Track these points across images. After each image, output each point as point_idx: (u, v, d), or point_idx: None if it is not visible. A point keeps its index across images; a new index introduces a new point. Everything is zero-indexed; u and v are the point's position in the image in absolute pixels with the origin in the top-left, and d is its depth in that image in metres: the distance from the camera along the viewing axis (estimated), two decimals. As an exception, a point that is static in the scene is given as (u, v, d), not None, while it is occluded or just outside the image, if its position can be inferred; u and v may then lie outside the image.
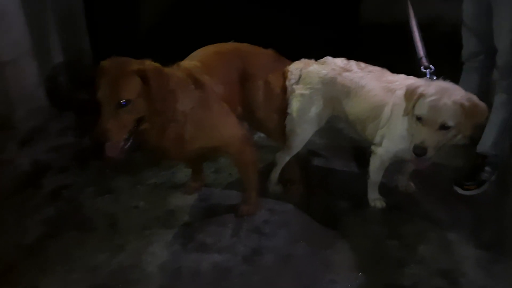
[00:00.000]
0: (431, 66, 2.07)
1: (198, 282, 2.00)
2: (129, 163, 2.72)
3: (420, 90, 1.84)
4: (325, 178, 2.60)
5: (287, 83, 2.29)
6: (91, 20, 3.59)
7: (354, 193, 2.45)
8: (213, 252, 2.12)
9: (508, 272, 2.01)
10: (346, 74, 2.18)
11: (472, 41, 2.41)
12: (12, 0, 2.86)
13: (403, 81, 2.06)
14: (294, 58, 2.38)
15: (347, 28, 3.88)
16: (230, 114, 2.11)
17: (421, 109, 1.83)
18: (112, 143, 1.79)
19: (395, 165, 2.40)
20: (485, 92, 2.43)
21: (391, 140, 2.09)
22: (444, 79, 1.94)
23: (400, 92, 2.02)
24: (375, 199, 2.36)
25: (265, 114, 2.30)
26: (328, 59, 2.27)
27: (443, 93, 1.80)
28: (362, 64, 2.21)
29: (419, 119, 1.85)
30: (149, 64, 1.82)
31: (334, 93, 2.20)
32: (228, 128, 2.09)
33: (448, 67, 2.11)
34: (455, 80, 2.00)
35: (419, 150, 1.82)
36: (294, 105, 2.28)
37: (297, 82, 2.27)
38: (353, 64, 2.21)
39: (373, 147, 2.20)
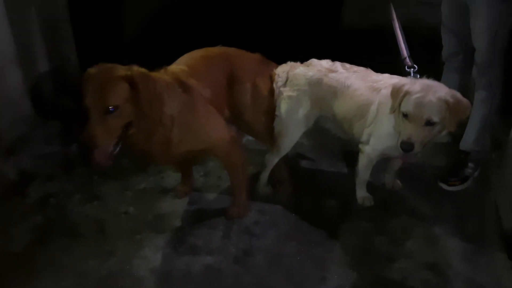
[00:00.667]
0: (415, 65, 2.13)
1: (190, 284, 2.01)
2: (117, 169, 2.72)
3: (405, 88, 1.90)
4: (313, 179, 2.64)
5: (275, 85, 2.32)
6: (76, 28, 3.57)
7: (342, 192, 2.49)
8: (205, 254, 2.13)
9: (492, 263, 2.07)
10: (332, 75, 2.23)
11: (451, 41, 2.48)
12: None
13: (388, 80, 2.12)
14: (279, 62, 2.42)
15: (329, 32, 3.95)
16: (218, 116, 2.13)
17: (407, 106, 1.89)
18: (101, 149, 1.79)
19: (382, 164, 2.45)
20: (465, 90, 2.50)
21: (378, 138, 2.14)
22: (428, 77, 2.00)
23: (385, 91, 2.07)
24: (363, 197, 2.40)
25: (253, 116, 2.33)
26: (314, 61, 2.31)
27: (428, 90, 1.86)
28: (347, 65, 2.26)
29: (405, 116, 1.90)
30: (136, 69, 1.83)
31: (321, 93, 2.24)
32: (215, 130, 2.11)
33: (428, 68, 2.17)
34: (436, 80, 2.06)
35: (407, 146, 1.87)
36: (282, 107, 2.31)
37: (284, 85, 2.30)
38: (338, 65, 2.26)
39: (360, 146, 2.24)
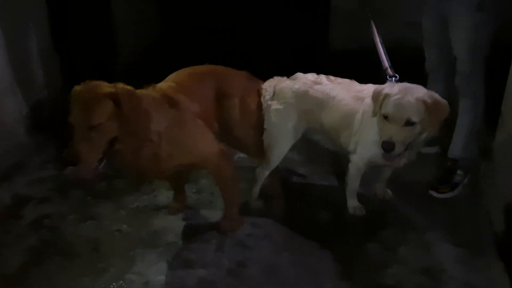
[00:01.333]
0: (396, 75, 2.20)
1: (183, 297, 2.00)
2: (110, 190, 2.75)
3: (384, 91, 1.96)
4: (305, 192, 2.66)
5: (262, 99, 2.38)
6: (63, 58, 3.65)
7: (334, 204, 2.52)
8: (198, 267, 2.13)
9: (486, 267, 2.08)
10: (317, 87, 2.29)
11: (433, 52, 2.56)
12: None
13: (371, 89, 2.17)
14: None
15: (316, 53, 4.07)
16: (206, 130, 2.17)
17: (387, 108, 1.94)
18: (85, 165, 1.81)
19: (372, 174, 2.49)
20: (450, 100, 2.56)
21: (364, 146, 2.18)
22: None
23: (369, 100, 2.13)
24: (354, 206, 2.42)
25: (243, 131, 2.37)
26: (299, 74, 2.38)
27: (406, 92, 1.92)
28: (332, 77, 2.33)
29: (385, 117, 1.95)
30: (120, 87, 1.87)
31: (307, 105, 2.30)
32: (204, 144, 2.14)
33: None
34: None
35: (387, 145, 1.92)
36: (270, 120, 2.36)
37: (272, 98, 2.36)
38: (323, 77, 2.33)
39: (349, 155, 2.28)
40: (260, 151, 2.43)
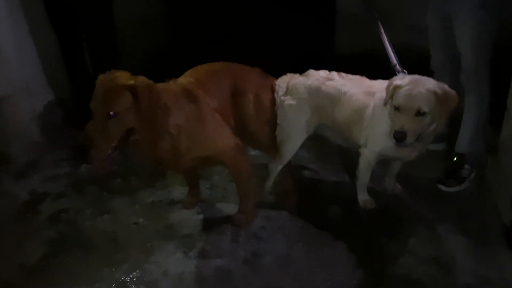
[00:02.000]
0: (405, 71, 2.27)
1: (202, 285, 2.06)
2: (125, 185, 2.82)
3: (395, 82, 2.03)
4: (315, 187, 2.72)
5: (276, 95, 2.45)
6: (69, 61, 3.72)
7: (344, 198, 2.58)
8: (214, 257, 2.19)
9: (494, 256, 2.13)
10: (329, 83, 2.36)
11: (438, 51, 2.63)
12: (7, 38, 3.00)
13: (382, 84, 2.24)
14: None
15: (322, 57, 4.13)
16: (223, 124, 2.24)
17: (398, 99, 2.01)
18: (97, 151, 1.87)
19: (382, 169, 2.55)
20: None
21: (375, 140, 2.25)
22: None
23: (379, 94, 2.20)
24: (365, 200, 2.47)
25: (257, 126, 2.44)
26: (311, 71, 2.46)
27: (417, 83, 1.99)
28: (343, 74, 2.40)
29: (397, 108, 2.02)
30: (140, 80, 1.94)
31: (320, 101, 2.37)
32: (221, 137, 2.21)
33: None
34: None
35: (399, 135, 1.98)
36: (283, 115, 2.43)
37: (285, 94, 2.43)
38: (334, 74, 2.40)
39: (360, 149, 2.35)
40: (273, 146, 2.50)
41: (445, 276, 2.04)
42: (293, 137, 2.44)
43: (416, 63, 2.87)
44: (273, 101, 2.47)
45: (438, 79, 2.64)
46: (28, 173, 3.01)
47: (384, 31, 2.54)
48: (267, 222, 2.42)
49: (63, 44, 3.50)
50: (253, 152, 2.82)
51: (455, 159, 2.61)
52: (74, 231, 2.45)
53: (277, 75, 2.54)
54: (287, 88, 2.44)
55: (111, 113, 1.84)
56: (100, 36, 3.53)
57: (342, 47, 4.20)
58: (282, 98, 2.44)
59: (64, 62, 3.59)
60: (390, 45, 2.42)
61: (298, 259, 2.17)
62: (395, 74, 2.30)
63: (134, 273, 2.13)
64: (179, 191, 2.72)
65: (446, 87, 2.02)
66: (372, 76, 2.39)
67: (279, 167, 2.52)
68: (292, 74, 2.51)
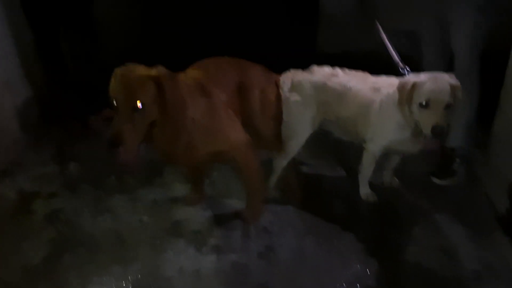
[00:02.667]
0: (407, 67, 2.37)
1: (220, 280, 2.05)
2: (120, 184, 2.74)
3: (412, 80, 2.11)
4: (316, 183, 2.76)
5: (281, 91, 2.48)
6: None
7: (345, 192, 2.64)
8: (229, 252, 2.18)
9: (493, 243, 2.26)
10: (334, 79, 2.42)
11: (430, 50, 2.75)
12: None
13: (386, 80, 2.33)
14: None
15: (305, 56, 4.19)
16: (236, 119, 2.23)
17: (425, 95, 2.08)
18: (127, 147, 1.81)
19: (379, 164, 2.64)
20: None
21: (382, 134, 2.32)
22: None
23: (386, 90, 2.28)
24: (367, 193, 2.55)
25: (262, 121, 2.44)
26: (315, 67, 2.51)
27: (435, 78, 2.09)
28: (347, 70, 2.46)
29: (424, 105, 2.09)
30: (162, 70, 1.90)
31: (325, 97, 2.42)
32: (234, 133, 2.20)
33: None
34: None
35: (438, 130, 2.05)
36: (289, 111, 2.46)
37: (290, 90, 2.47)
38: (338, 70, 2.46)
39: (364, 144, 2.42)
40: (278, 142, 2.52)
41: (453, 263, 2.14)
42: (299, 133, 2.48)
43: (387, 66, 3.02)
44: (278, 97, 2.49)
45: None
46: (12, 172, 2.86)
47: (372, 36, 2.62)
48: (275, 217, 2.44)
49: (39, 39, 3.36)
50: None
51: (447, 152, 2.75)
52: (75, 231, 2.36)
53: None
54: (292, 84, 2.48)
55: (139, 105, 1.79)
56: (79, 30, 3.43)
57: (324, 47, 4.28)
58: (288, 94, 2.47)
59: (41, 57, 3.46)
60: (390, 43, 2.51)
61: (311, 251, 2.20)
62: (400, 70, 2.38)
63: (147, 270, 2.08)
64: (179, 188, 2.68)
65: (455, 78, 2.13)
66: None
67: (284, 163, 2.55)
68: (295, 70, 2.55)
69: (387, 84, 2.30)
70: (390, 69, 2.50)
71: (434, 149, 2.37)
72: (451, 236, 2.32)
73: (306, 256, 2.17)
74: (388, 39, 2.57)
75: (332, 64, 2.61)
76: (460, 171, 2.73)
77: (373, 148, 2.39)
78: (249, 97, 2.39)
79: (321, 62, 3.28)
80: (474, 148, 2.79)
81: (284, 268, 2.10)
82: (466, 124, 2.69)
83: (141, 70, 1.88)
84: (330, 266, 2.11)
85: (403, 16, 3.28)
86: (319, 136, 2.64)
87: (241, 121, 2.36)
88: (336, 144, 2.81)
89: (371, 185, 2.62)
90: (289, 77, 2.50)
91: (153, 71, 1.87)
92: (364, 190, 2.56)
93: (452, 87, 2.07)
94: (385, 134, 2.32)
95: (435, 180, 2.70)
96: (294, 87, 2.47)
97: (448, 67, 2.70)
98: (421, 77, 2.13)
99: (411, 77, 2.17)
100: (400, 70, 2.37)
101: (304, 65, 2.80)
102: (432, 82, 2.08)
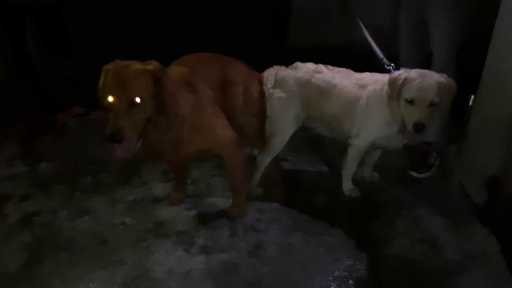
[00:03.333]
0: (392, 64, 2.42)
1: (211, 280, 2.01)
2: (96, 184, 2.66)
3: (403, 76, 2.15)
4: (298, 178, 2.78)
5: (264, 88, 2.46)
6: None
7: (327, 187, 2.67)
8: (218, 252, 2.15)
9: (471, 233, 2.33)
10: (318, 75, 2.42)
11: (408, 46, 2.81)
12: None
13: (371, 77, 2.37)
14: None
15: (276, 51, 4.18)
16: (223, 116, 2.20)
17: (411, 92, 2.13)
18: (125, 143, 1.78)
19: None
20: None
21: (368, 130, 2.36)
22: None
23: (371, 87, 2.31)
24: (350, 189, 2.58)
25: (246, 118, 2.41)
26: (299, 64, 2.50)
27: (425, 76, 2.13)
28: (330, 67, 2.48)
29: (409, 101, 2.14)
30: (157, 65, 1.87)
31: (310, 93, 2.42)
32: (222, 130, 2.17)
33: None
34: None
35: (419, 126, 2.11)
36: (273, 108, 2.44)
37: (274, 87, 2.45)
38: (322, 66, 2.47)
39: (349, 140, 2.44)
40: (261, 139, 2.50)
41: (435, 254, 2.21)
42: (283, 129, 2.47)
43: (358, 59, 3.06)
44: (261, 94, 2.47)
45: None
46: (-22, 174, 2.69)
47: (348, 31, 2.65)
48: (261, 214, 2.43)
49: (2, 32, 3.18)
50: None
51: (424, 147, 2.83)
52: (53, 234, 2.26)
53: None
54: (276, 81, 2.47)
55: (137, 99, 1.74)
56: (46, 24, 3.28)
57: (295, 41, 4.28)
58: (271, 90, 2.46)
59: (2, 52, 3.27)
60: (374, 41, 2.54)
61: (301, 247, 2.21)
62: (384, 67, 2.42)
63: (136, 274, 2.02)
64: (159, 188, 2.62)
65: (446, 77, 2.18)
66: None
67: (268, 160, 2.54)
68: (278, 66, 2.53)
69: (373, 80, 2.34)
70: (364, 63, 2.53)
71: (416, 144, 2.42)
72: (431, 227, 2.38)
73: (297, 253, 2.17)
74: (371, 36, 2.60)
75: (303, 59, 2.62)
76: (435, 164, 2.82)
77: (359, 144, 2.42)
78: (232, 93, 2.35)
79: (292, 57, 3.31)
80: (448, 142, 2.89)
81: (275, 266, 2.09)
82: (441, 120, 2.78)
83: (136, 65, 1.83)
84: (322, 261, 2.12)
85: (379, 11, 3.36)
86: (296, 131, 2.65)
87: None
88: (314, 139, 2.82)
89: (352, 180, 2.65)
90: (273, 74, 2.49)
91: (150, 66, 1.83)
92: (347, 186, 2.59)
93: (440, 86, 2.12)
94: (372, 130, 2.35)
95: (413, 174, 2.78)
96: (278, 84, 2.46)
97: (425, 63, 2.78)
98: (412, 73, 2.17)
99: (402, 72, 2.20)
100: (386, 66, 2.40)
101: (274, 60, 2.80)
102: (421, 79, 2.13)
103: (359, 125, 2.37)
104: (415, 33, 2.73)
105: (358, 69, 2.55)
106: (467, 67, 2.63)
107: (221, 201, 2.51)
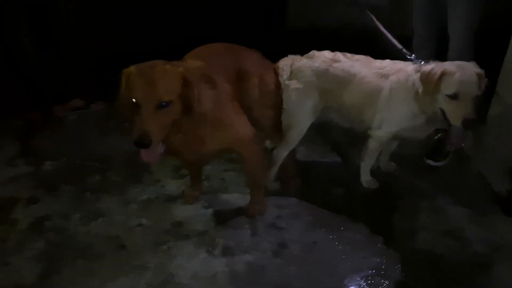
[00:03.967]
0: (412, 55, 2.34)
1: (237, 283, 1.94)
2: (106, 183, 2.56)
3: (439, 70, 2.04)
4: (312, 170, 2.71)
5: (280, 79, 2.36)
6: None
7: (343, 179, 2.61)
8: (242, 253, 2.08)
9: (494, 223, 2.31)
10: (336, 64, 2.32)
11: (424, 29, 2.71)
12: None
13: (393, 65, 2.27)
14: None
15: (274, 34, 4.05)
16: (242, 112, 2.10)
17: (453, 87, 2.02)
18: (152, 146, 1.68)
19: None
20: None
21: (392, 122, 2.27)
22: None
23: (395, 77, 2.23)
24: (368, 180, 2.52)
25: (262, 111, 2.31)
26: (315, 52, 2.40)
27: (463, 68, 2.03)
28: (348, 54, 2.37)
29: (452, 97, 2.04)
30: (187, 66, 1.80)
31: (328, 84, 2.33)
32: (242, 127, 2.07)
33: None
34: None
35: (470, 123, 2.02)
36: (290, 100, 2.35)
37: (290, 78, 2.35)
38: (339, 54, 2.37)
39: (370, 131, 2.37)
40: (278, 132, 2.42)
41: (461, 247, 2.17)
42: (300, 121, 2.38)
43: (357, 40, 2.97)
44: (277, 85, 2.37)
45: (417, 57, 2.78)
46: (-21, 176, 2.56)
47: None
48: (281, 210, 2.36)
49: None
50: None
51: (439, 135, 2.77)
52: (68, 240, 2.16)
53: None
54: (292, 71, 2.36)
55: (164, 102, 1.66)
56: (41, 18, 3.13)
57: (293, 22, 4.15)
58: (287, 82, 2.36)
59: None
60: (389, 33, 2.44)
61: (325, 245, 2.16)
62: (406, 58, 2.34)
63: (160, 280, 1.94)
64: (173, 185, 2.54)
65: (478, 66, 2.10)
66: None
67: (285, 153, 2.45)
68: (293, 56, 2.43)
69: (395, 70, 2.25)
70: (362, 46, 2.45)
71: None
72: (454, 219, 2.35)
73: (322, 251, 2.12)
74: (385, 29, 2.50)
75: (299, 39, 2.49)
76: (452, 152, 2.77)
77: (381, 135, 2.34)
78: (248, 85, 2.25)
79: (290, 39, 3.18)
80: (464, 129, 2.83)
81: (302, 265, 2.03)
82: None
83: (165, 65, 1.74)
84: (350, 260, 2.07)
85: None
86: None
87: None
88: (321, 128, 2.72)
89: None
90: (288, 64, 2.38)
91: (180, 68, 1.75)
92: (366, 177, 2.53)
93: (480, 77, 2.04)
94: (396, 121, 2.27)
95: (430, 162, 2.73)
96: (294, 74, 2.36)
97: (440, 48, 2.70)
98: (448, 66, 2.07)
99: (436, 66, 2.10)
100: (407, 56, 2.32)
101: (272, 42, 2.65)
102: (462, 72, 2.03)
103: (382, 116, 2.29)
104: (432, 15, 2.63)
105: (360, 51, 2.43)
106: (486, 52, 2.55)
107: (237, 198, 2.43)
